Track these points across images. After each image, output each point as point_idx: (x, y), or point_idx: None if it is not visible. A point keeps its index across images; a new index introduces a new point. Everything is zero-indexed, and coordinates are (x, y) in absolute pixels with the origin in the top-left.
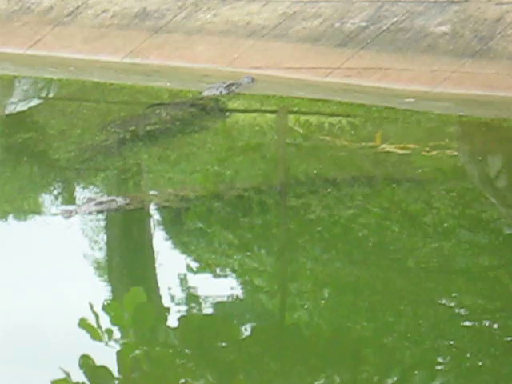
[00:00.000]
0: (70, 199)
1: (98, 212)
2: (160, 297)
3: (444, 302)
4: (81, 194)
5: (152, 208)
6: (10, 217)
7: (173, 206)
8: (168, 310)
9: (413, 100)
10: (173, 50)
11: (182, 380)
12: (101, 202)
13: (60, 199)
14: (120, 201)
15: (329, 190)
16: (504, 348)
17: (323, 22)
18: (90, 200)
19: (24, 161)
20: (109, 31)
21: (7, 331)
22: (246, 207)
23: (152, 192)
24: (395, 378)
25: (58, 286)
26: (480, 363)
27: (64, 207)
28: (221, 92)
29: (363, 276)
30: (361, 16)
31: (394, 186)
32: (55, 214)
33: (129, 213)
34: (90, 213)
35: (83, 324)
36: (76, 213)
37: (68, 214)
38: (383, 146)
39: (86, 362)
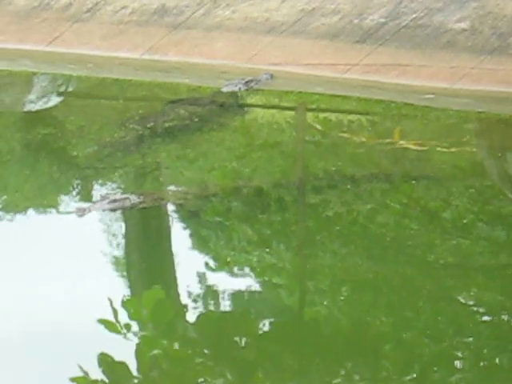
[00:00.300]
0: (88, 196)
1: (112, 210)
2: (178, 293)
3: (463, 298)
4: (99, 190)
5: (169, 205)
6: (29, 213)
7: (188, 205)
8: (186, 306)
9: (432, 96)
10: (192, 46)
11: (201, 378)
12: (114, 200)
13: (78, 196)
14: (134, 199)
15: (347, 186)
16: None
17: (342, 18)
18: (103, 198)
19: (43, 157)
20: (128, 28)
21: (27, 328)
22: (265, 204)
23: (168, 189)
24: (414, 374)
25: (76, 283)
26: (499, 359)
27: (78, 205)
28: (239, 88)
29: (382, 272)
30: (380, 12)
31: (413, 182)
32: (69, 213)
33: (147, 210)
34: (103, 210)
35: (102, 321)
36: (90, 211)
37: (82, 212)
38: (402, 142)
39: (104, 359)
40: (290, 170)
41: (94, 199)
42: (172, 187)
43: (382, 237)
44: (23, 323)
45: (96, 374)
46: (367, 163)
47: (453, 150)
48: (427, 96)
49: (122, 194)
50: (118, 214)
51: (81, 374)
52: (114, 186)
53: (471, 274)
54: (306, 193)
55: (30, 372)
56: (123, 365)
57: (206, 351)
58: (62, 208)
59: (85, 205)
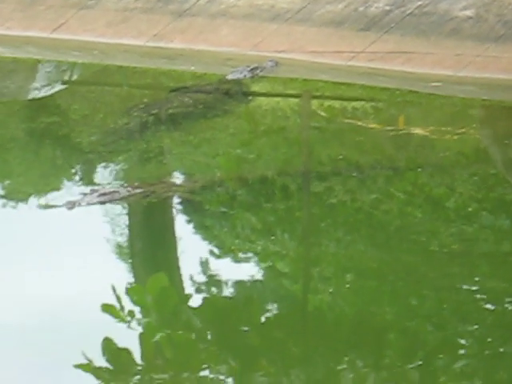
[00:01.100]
0: (92, 183)
1: (101, 203)
2: (182, 281)
3: (467, 285)
4: (102, 176)
5: (173, 195)
6: (33, 201)
7: (190, 194)
8: (190, 294)
9: (440, 84)
10: (196, 33)
11: (205, 364)
12: (104, 194)
13: (82, 183)
14: (123, 192)
15: (352, 173)
16: None
17: (347, 5)
18: (92, 191)
19: (47, 145)
20: (132, 15)
21: (30, 315)
22: (269, 191)
23: (161, 181)
24: (418, 362)
25: (80, 271)
26: (503, 347)
27: (67, 199)
28: (245, 76)
29: (386, 260)
30: (385, 0)
31: (417, 169)
32: (59, 206)
33: (151, 199)
34: (93, 204)
35: (106, 308)
36: (79, 204)
37: (71, 205)
38: (406, 129)
39: (108, 346)
40: (295, 157)
41: (83, 192)
42: (169, 178)
43: (386, 224)
44: (26, 310)
45: (100, 360)
46: (372, 150)
47: (457, 137)
48: (434, 84)
49: (112, 187)
50: (122, 202)
51: (85, 361)
52: (117, 171)
53: (475, 261)
54: (310, 180)
55: (35, 359)
56: (127, 351)
57: (209, 338)
58: (65, 194)
59: (74, 198)
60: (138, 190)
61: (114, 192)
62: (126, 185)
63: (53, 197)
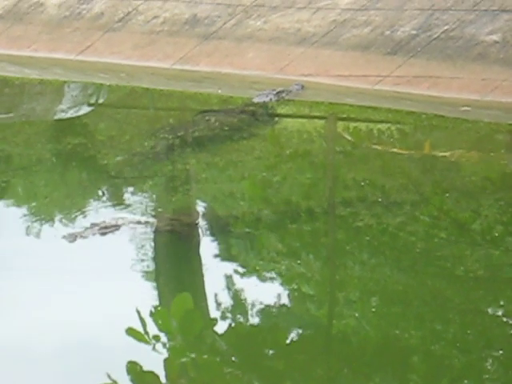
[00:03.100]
0: (119, 205)
1: (102, 235)
2: (207, 303)
3: (492, 310)
4: (128, 199)
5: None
6: (58, 223)
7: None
8: (215, 316)
9: (469, 108)
10: (223, 56)
11: None
12: (105, 227)
13: (108, 205)
14: (125, 225)
15: (377, 197)
16: None
17: (373, 29)
18: (93, 225)
19: (73, 166)
20: (159, 37)
21: (57, 337)
22: (294, 214)
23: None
24: None
25: (105, 294)
26: None
27: (68, 231)
28: (271, 99)
29: (411, 284)
30: (411, 24)
31: (443, 193)
32: (62, 238)
33: (176, 221)
34: (93, 235)
35: (131, 331)
36: (81, 237)
37: (72, 238)
38: (432, 153)
39: (133, 368)
40: (320, 180)
41: (84, 226)
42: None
43: (411, 248)
44: (52, 331)
45: (124, 382)
46: (397, 174)
47: (483, 161)
48: (464, 108)
49: (113, 220)
50: (149, 224)
51: (109, 382)
52: (144, 195)
53: (501, 285)
54: (335, 203)
55: (60, 380)
56: (151, 374)
57: (234, 361)
58: (90, 216)
59: (75, 231)
60: (141, 224)
61: (115, 226)
62: (128, 218)
63: (78, 220)
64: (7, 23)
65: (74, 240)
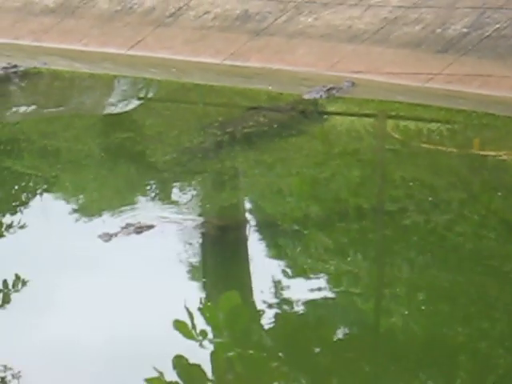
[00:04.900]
0: (167, 201)
1: (138, 233)
2: (254, 300)
3: None
4: (177, 195)
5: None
6: (106, 218)
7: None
8: (262, 312)
9: None
10: (273, 52)
11: (276, 383)
12: (140, 227)
13: (156, 201)
14: (162, 225)
15: (425, 195)
16: None
17: (424, 27)
18: (128, 226)
19: (121, 161)
20: (210, 33)
21: (104, 330)
22: (343, 212)
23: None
24: None
25: (153, 289)
26: None
27: (104, 231)
28: (321, 96)
29: (458, 282)
30: (462, 22)
31: (491, 192)
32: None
33: (223, 216)
34: (128, 235)
35: (178, 324)
36: (115, 236)
37: (107, 238)
38: (482, 152)
39: (179, 362)
40: (369, 178)
41: (120, 226)
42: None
43: (459, 247)
44: (101, 325)
45: (171, 375)
46: (446, 173)
47: None
48: None
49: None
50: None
51: (156, 375)
52: (191, 191)
53: None
54: (383, 201)
55: (107, 373)
56: (198, 368)
57: (280, 355)
58: (138, 211)
59: (111, 231)
60: (180, 223)
61: (149, 227)
62: (167, 217)
63: (123, 216)
64: (58, 17)
65: (109, 240)
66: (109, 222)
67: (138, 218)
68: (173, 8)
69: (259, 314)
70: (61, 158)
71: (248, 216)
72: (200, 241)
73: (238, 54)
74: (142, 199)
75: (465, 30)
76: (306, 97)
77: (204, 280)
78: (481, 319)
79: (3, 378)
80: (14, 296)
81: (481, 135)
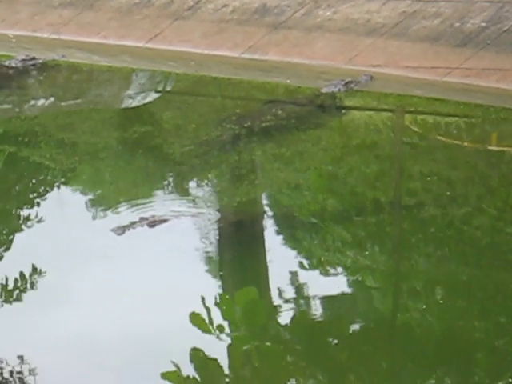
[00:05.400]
0: (183, 194)
1: (151, 227)
2: (271, 293)
3: None
4: (193, 188)
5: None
6: (124, 210)
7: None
8: (279, 306)
9: None
10: (292, 46)
11: (292, 378)
12: (154, 221)
13: (173, 194)
14: (172, 220)
15: (443, 189)
16: None
17: (443, 21)
18: (142, 219)
19: (139, 154)
20: (228, 26)
21: (122, 324)
22: (360, 205)
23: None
24: (508, 380)
25: (169, 282)
26: None
27: (117, 224)
28: (339, 89)
29: (476, 277)
30: (481, 16)
31: (509, 186)
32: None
33: (241, 210)
34: (142, 226)
35: (195, 318)
36: (129, 230)
37: (121, 231)
38: (499, 146)
39: (196, 355)
40: (386, 172)
41: (133, 220)
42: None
43: (476, 241)
44: (118, 318)
45: (188, 369)
46: (463, 167)
47: None
48: None
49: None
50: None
51: (173, 369)
52: (208, 184)
53: None
54: (401, 195)
55: (124, 367)
56: (215, 361)
57: (297, 349)
58: (155, 204)
59: (124, 224)
60: (187, 219)
61: (163, 221)
62: (182, 211)
63: (143, 207)
64: (77, 10)
65: (123, 233)
66: (124, 214)
67: (154, 211)
68: (191, 1)
69: (276, 307)
70: (78, 150)
71: (265, 209)
72: (216, 234)
73: (256, 48)
74: (158, 192)
75: (483, 24)
76: (324, 90)
77: (221, 273)
78: (499, 314)
79: (21, 372)
80: (29, 288)
81: (498, 129)
